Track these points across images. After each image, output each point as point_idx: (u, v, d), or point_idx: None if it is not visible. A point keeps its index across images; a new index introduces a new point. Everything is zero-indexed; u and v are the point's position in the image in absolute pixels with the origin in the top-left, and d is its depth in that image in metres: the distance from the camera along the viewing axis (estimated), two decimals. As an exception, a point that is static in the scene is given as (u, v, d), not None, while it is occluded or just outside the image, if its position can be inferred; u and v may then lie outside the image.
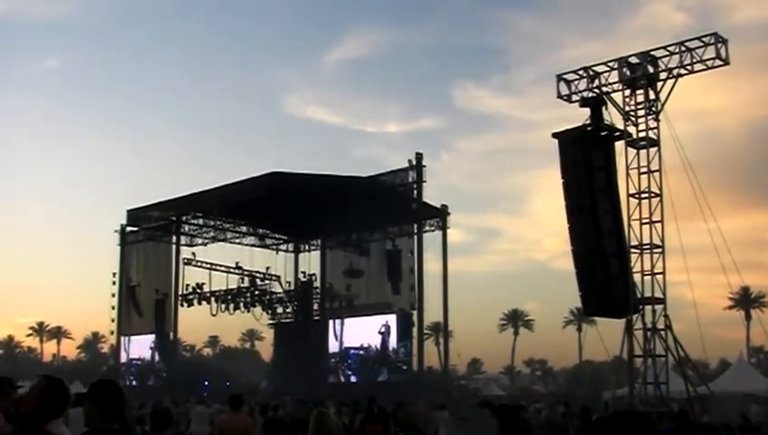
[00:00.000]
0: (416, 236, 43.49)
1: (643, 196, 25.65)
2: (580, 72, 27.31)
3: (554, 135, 27.04)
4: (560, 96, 27.60)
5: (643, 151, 25.89)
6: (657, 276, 25.22)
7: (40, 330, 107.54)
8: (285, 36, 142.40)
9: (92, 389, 4.60)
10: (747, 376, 40.49)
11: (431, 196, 45.12)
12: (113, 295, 53.21)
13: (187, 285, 48.57)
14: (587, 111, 26.83)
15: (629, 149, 26.18)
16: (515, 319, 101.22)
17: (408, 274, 43.15)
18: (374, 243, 46.57)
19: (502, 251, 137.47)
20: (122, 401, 4.60)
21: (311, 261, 52.60)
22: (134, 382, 52.13)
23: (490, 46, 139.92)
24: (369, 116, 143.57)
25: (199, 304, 48.13)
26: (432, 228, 45.35)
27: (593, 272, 25.72)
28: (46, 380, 4.67)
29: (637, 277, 25.55)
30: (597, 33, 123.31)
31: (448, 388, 49.57)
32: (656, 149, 25.84)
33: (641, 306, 25.30)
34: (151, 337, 52.95)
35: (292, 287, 50.33)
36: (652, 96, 26.10)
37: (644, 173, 25.76)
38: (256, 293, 48.29)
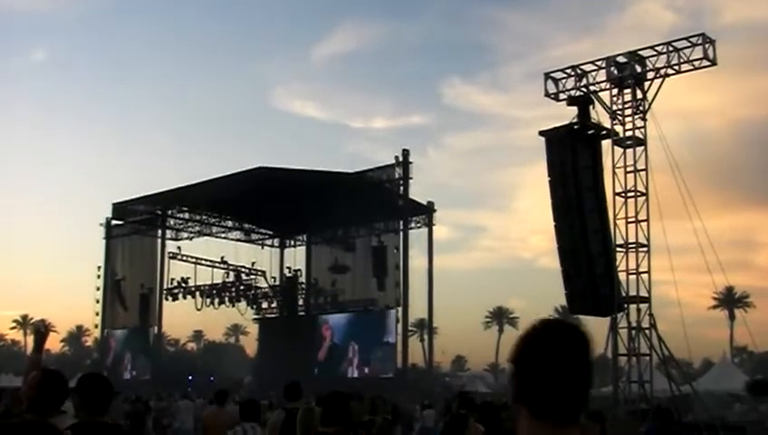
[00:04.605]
0: (401, 233, 43.46)
1: (629, 195, 25.74)
2: (568, 71, 27.38)
3: (541, 133, 27.08)
4: (547, 94, 27.67)
5: (630, 150, 25.99)
6: (643, 275, 25.31)
7: (24, 323, 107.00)
8: (274, 30, 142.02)
9: (81, 382, 4.58)
10: (730, 376, 40.76)
11: (417, 192, 45.20)
12: (98, 289, 53.10)
13: (172, 280, 48.40)
14: (574, 109, 26.91)
15: (616, 148, 26.29)
16: (500, 317, 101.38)
17: (394, 270, 43.11)
18: (360, 239, 46.53)
19: (487, 248, 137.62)
20: (110, 395, 4.59)
21: (296, 256, 52.68)
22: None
23: (479, 43, 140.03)
24: (357, 111, 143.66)
25: (184, 298, 47.96)
26: (418, 225, 45.42)
27: (579, 270, 25.77)
28: (42, 372, 4.66)
29: (622, 276, 25.65)
30: (585, 31, 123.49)
31: (432, 385, 49.59)
32: (642, 148, 25.94)
33: (626, 305, 25.39)
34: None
35: (277, 282, 50.24)
36: (639, 95, 26.20)
37: (630, 172, 25.85)
38: (241, 287, 48.14)
